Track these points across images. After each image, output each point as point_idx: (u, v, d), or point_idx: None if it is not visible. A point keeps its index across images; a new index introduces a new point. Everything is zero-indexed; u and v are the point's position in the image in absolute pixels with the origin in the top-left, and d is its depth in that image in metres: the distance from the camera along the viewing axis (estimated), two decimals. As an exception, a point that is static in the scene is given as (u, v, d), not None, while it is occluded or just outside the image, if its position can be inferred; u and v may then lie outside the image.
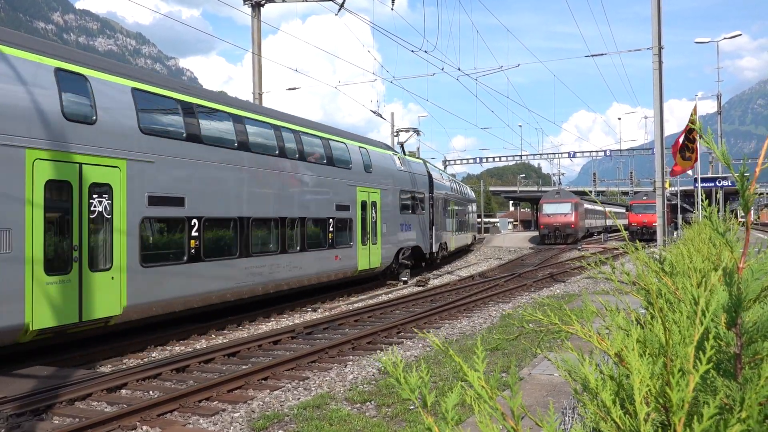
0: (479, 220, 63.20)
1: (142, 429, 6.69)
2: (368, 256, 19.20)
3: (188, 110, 12.32)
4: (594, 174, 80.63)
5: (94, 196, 9.93)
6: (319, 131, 17.56)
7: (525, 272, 23.91)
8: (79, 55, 10.83)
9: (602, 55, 26.19)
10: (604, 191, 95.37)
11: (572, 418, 3.83)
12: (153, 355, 10.55)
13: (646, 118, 70.33)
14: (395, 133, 32.07)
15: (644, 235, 42.32)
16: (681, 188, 40.60)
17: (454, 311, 14.40)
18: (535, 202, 67.38)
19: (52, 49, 10.05)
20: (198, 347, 11.04)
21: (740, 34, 35.62)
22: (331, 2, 21.74)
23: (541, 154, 73.57)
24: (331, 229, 17.05)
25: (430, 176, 25.71)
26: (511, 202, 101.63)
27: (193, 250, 11.88)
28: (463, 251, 37.36)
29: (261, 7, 23.19)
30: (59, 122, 9.44)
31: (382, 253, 20.20)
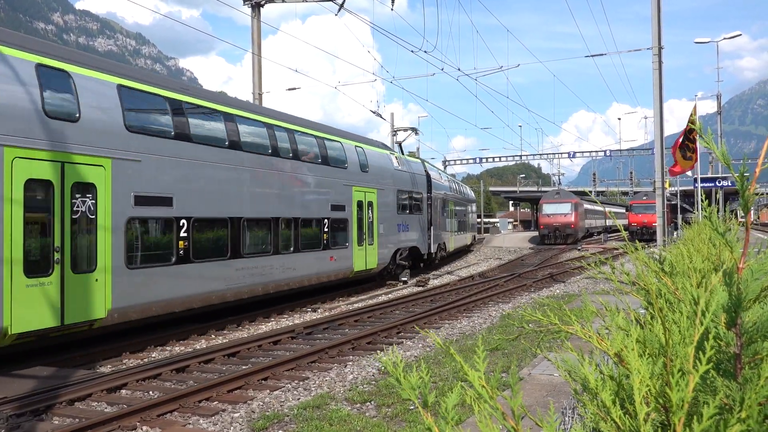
0: (479, 220, 63.21)
1: (142, 429, 6.68)
2: (364, 257, 18.91)
3: (177, 108, 12.03)
4: (594, 174, 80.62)
5: (77, 195, 9.65)
6: (313, 130, 17.27)
7: (525, 272, 23.91)
8: (62, 50, 10.48)
9: (602, 55, 26.21)
10: (603, 191, 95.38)
11: (572, 418, 3.83)
12: (153, 355, 10.54)
13: (646, 118, 70.38)
14: (393, 133, 31.78)
15: (644, 235, 42.33)
16: (681, 188, 40.61)
17: (453, 311, 14.40)
18: (534, 202, 67.38)
19: (34, 44, 9.74)
20: (198, 347, 11.04)
21: (740, 35, 35.63)
22: (331, 2, 21.75)
23: (540, 155, 73.57)
24: (326, 230, 16.78)
25: (428, 176, 25.49)
26: (510, 202, 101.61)
27: (181, 252, 11.60)
28: (463, 251, 37.34)
29: (261, 8, 23.19)
30: (40, 119, 9.18)
31: (379, 253, 19.91)
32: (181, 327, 12.25)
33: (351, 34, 24.04)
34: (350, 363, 9.50)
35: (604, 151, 67.90)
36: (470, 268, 28.06)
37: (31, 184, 9.01)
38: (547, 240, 44.80)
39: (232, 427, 6.69)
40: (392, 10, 21.86)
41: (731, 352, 1.27)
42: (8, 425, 6.63)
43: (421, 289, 19.63)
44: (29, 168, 8.97)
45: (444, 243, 28.06)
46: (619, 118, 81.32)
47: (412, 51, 22.83)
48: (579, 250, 37.92)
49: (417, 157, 27.97)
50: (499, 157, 71.10)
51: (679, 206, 38.79)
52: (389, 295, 18.23)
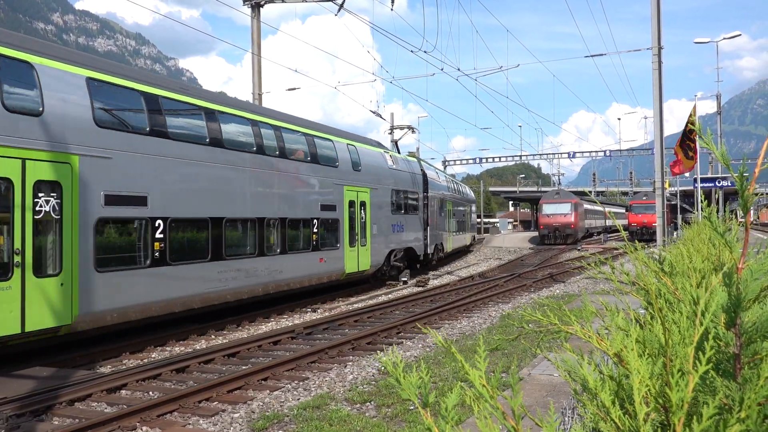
0: (479, 220, 63.19)
1: (142, 429, 6.68)
2: (356, 259, 18.34)
3: (152, 102, 11.40)
4: (594, 174, 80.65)
5: (41, 194, 9.05)
6: (302, 127, 16.71)
7: (525, 272, 23.91)
8: (26, 40, 9.84)
9: (602, 55, 26.21)
10: (603, 191, 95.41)
11: (572, 418, 3.83)
12: (153, 355, 10.54)
13: (645, 118, 70.40)
14: (390, 131, 31.35)
15: (644, 235, 42.35)
16: (680, 188, 40.61)
17: (453, 311, 14.40)
18: (534, 202, 67.39)
19: None
20: (197, 348, 11.03)
21: (740, 35, 35.64)
22: (330, 2, 21.75)
23: (540, 155, 73.58)
24: (315, 230, 16.21)
25: (424, 175, 25.10)
26: (510, 202, 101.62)
27: (157, 254, 11.04)
28: (462, 252, 37.29)
29: (261, 8, 23.19)
30: None
31: (372, 255, 19.38)
32: (181, 327, 12.24)
33: (351, 34, 24.06)
34: (350, 363, 9.50)
35: (604, 151, 67.91)
36: (470, 269, 28.06)
37: None
38: (547, 240, 44.81)
39: (232, 428, 6.69)
40: (392, 10, 21.88)
41: (731, 352, 1.27)
42: (8, 425, 6.63)
43: (420, 289, 19.63)
44: None
45: (441, 244, 27.71)
46: (619, 118, 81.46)
47: (411, 51, 22.85)
48: (579, 250, 37.92)
49: (414, 157, 27.57)
50: (499, 157, 71.14)
51: (678, 206, 38.80)
52: (389, 296, 18.23)
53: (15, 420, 6.79)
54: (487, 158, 69.27)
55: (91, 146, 9.91)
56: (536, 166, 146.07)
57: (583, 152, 69.86)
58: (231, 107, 14.00)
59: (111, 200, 10.20)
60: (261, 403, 7.48)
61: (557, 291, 18.23)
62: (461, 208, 34.61)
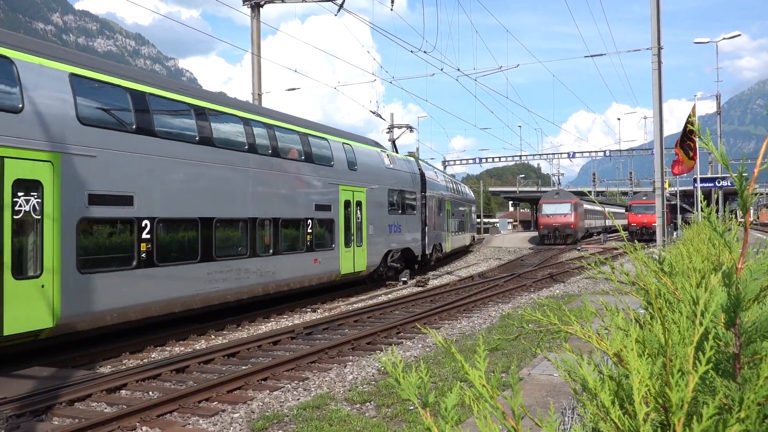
0: (478, 220, 63.20)
1: (141, 430, 6.68)
2: (352, 259, 18.03)
3: (139, 100, 11.08)
4: (593, 174, 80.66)
5: (20, 194, 8.75)
6: (296, 125, 16.35)
7: (524, 272, 23.91)
8: (6, 35, 9.57)
9: (601, 55, 26.23)
10: (603, 191, 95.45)
11: (572, 418, 3.83)
12: (152, 355, 10.54)
13: (645, 118, 70.40)
14: (388, 130, 30.96)
15: (644, 235, 42.36)
16: (680, 188, 40.61)
17: (453, 311, 14.41)
18: (534, 202, 67.41)
19: None
20: (197, 348, 11.03)
21: (739, 35, 35.65)
22: (330, 3, 21.76)
23: (540, 155, 73.59)
24: (309, 231, 15.88)
25: (422, 175, 24.81)
26: (510, 202, 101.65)
27: (144, 254, 10.73)
28: (462, 252, 37.26)
29: (260, 8, 23.20)
30: None
31: (368, 255, 19.05)
32: (181, 327, 12.24)
33: (350, 34, 24.06)
34: (350, 363, 9.50)
35: (604, 152, 67.89)
36: (470, 269, 28.06)
37: None
38: (547, 240, 44.83)
39: (231, 428, 6.69)
40: (392, 10, 21.89)
41: (730, 352, 1.27)
42: (8, 426, 6.63)
43: (420, 289, 19.62)
44: None
45: (440, 244, 27.45)
46: (619, 119, 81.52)
47: (411, 51, 22.86)
48: (578, 250, 37.93)
49: (412, 156, 27.28)
50: (499, 158, 71.13)
51: (678, 206, 38.81)
52: (389, 296, 18.23)
53: (15, 420, 6.79)
54: (486, 158, 69.28)
55: (74, 144, 9.63)
56: (536, 166, 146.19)
57: (582, 152, 69.87)
58: (222, 105, 13.71)
59: (95, 200, 9.90)
60: (261, 403, 7.48)
61: (557, 291, 18.23)
62: (460, 208, 34.43)
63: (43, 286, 8.95)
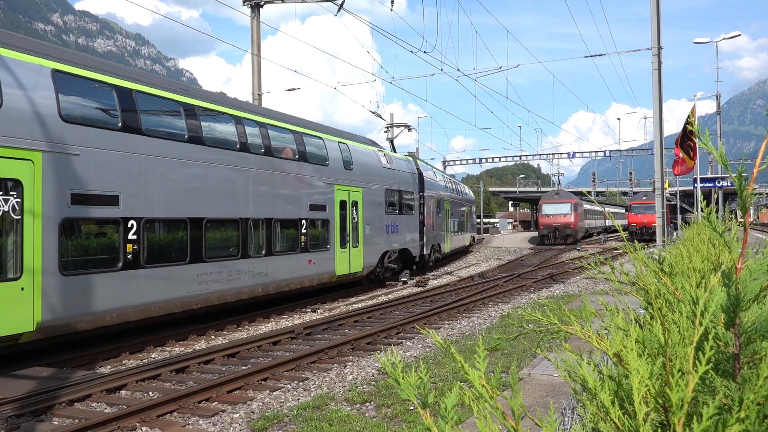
0: (478, 220, 63.20)
1: (141, 430, 6.68)
2: (348, 260, 17.74)
3: (125, 97, 10.77)
4: (593, 174, 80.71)
5: None
6: (290, 124, 16.03)
7: (524, 273, 23.92)
8: None
9: (601, 55, 26.22)
10: (603, 191, 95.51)
11: (572, 418, 3.83)
12: (152, 356, 10.54)
13: (645, 118, 70.46)
14: (386, 129, 30.60)
15: (644, 235, 42.37)
16: (680, 188, 40.65)
17: (453, 312, 14.41)
18: (534, 202, 67.45)
19: None
20: (197, 348, 11.03)
21: (739, 35, 35.65)
22: (330, 3, 21.77)
23: (540, 155, 73.59)
24: (303, 231, 15.58)
25: (420, 174, 24.48)
26: (510, 202, 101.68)
27: (130, 256, 10.42)
28: (462, 252, 37.24)
29: (260, 8, 23.20)
30: None
31: (365, 256, 18.73)
32: (180, 327, 12.24)
33: (350, 34, 24.05)
34: (350, 363, 9.50)
35: (604, 152, 67.89)
36: (470, 269, 28.06)
37: None
38: (547, 240, 44.84)
39: (231, 428, 6.69)
40: (392, 10, 21.90)
41: (730, 352, 1.27)
42: (8, 426, 6.63)
43: (420, 289, 19.62)
44: None
45: (439, 244, 27.23)
46: (619, 119, 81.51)
47: (411, 51, 22.86)
48: (578, 250, 37.94)
49: (411, 156, 27.06)
50: (499, 158, 71.13)
51: (678, 206, 38.82)
52: (389, 296, 18.23)
53: (15, 420, 6.79)
54: (486, 158, 69.29)
55: (56, 142, 9.33)
56: (536, 166, 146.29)
57: (582, 152, 69.86)
58: (212, 103, 13.42)
59: (78, 199, 9.60)
60: (261, 404, 7.48)
61: (557, 291, 18.24)
62: (460, 208, 34.26)
63: (22, 288, 8.67)
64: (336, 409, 7.03)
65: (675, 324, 1.29)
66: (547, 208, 45.24)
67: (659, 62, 21.81)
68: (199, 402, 7.54)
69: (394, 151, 25.69)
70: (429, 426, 1.15)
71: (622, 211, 59.60)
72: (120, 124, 10.56)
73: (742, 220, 1.32)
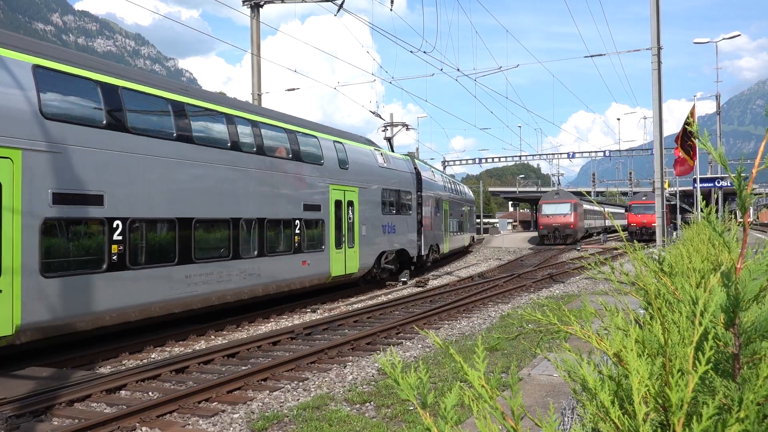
0: (478, 220, 63.20)
1: (141, 430, 6.68)
2: (343, 261, 17.43)
3: (110, 93, 10.44)
4: (593, 174, 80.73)
5: None
6: (283, 122, 15.74)
7: (524, 273, 23.92)
8: None
9: (601, 55, 26.23)
10: (603, 191, 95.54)
11: (572, 418, 3.83)
12: (152, 356, 10.54)
13: (645, 118, 70.52)
14: (384, 128, 30.18)
15: (643, 235, 42.38)
16: (680, 188, 40.66)
17: (453, 312, 14.41)
18: (534, 202, 67.45)
19: None
20: (197, 348, 11.03)
21: (739, 35, 35.66)
22: (330, 3, 21.77)
23: (540, 155, 73.62)
24: (297, 232, 15.28)
25: (418, 174, 24.15)
26: (510, 202, 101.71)
27: (115, 257, 10.12)
28: (462, 252, 37.21)
29: (260, 8, 23.21)
30: None
31: (361, 257, 18.45)
32: (180, 327, 12.24)
33: (350, 34, 24.05)
34: (350, 363, 9.50)
35: (604, 152, 67.93)
36: (470, 269, 28.07)
37: None
38: (547, 240, 44.85)
39: (231, 428, 6.69)
40: (391, 10, 21.89)
41: (730, 352, 1.27)
42: (8, 426, 6.63)
43: (420, 289, 19.62)
44: None
45: (437, 245, 27.02)
46: (619, 119, 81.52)
47: (411, 51, 22.86)
48: (578, 250, 37.94)
49: (408, 155, 26.77)
50: (499, 158, 71.16)
51: (678, 206, 38.85)
52: (389, 296, 18.23)
53: (15, 420, 6.78)
54: (486, 158, 69.31)
55: (37, 140, 9.04)
56: (536, 166, 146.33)
57: (582, 152, 69.89)
58: (201, 100, 13.05)
59: (60, 199, 9.30)
60: (260, 404, 7.48)
61: (557, 291, 18.24)
62: (459, 208, 34.07)
63: (1, 291, 8.41)
64: (336, 410, 7.03)
65: (675, 324, 1.29)
66: (547, 209, 45.26)
67: (659, 62, 21.82)
68: (199, 402, 7.54)
69: (392, 151, 25.53)
70: (429, 426, 1.15)
71: (622, 211, 59.63)
72: (105, 122, 10.27)
73: (741, 220, 1.32)
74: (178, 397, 7.40)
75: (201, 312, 12.79)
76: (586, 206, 50.46)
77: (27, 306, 8.71)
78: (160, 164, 11.26)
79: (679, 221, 35.81)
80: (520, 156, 76.86)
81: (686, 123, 18.13)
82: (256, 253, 13.79)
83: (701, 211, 1.81)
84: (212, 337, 12.11)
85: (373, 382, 8.25)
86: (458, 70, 27.25)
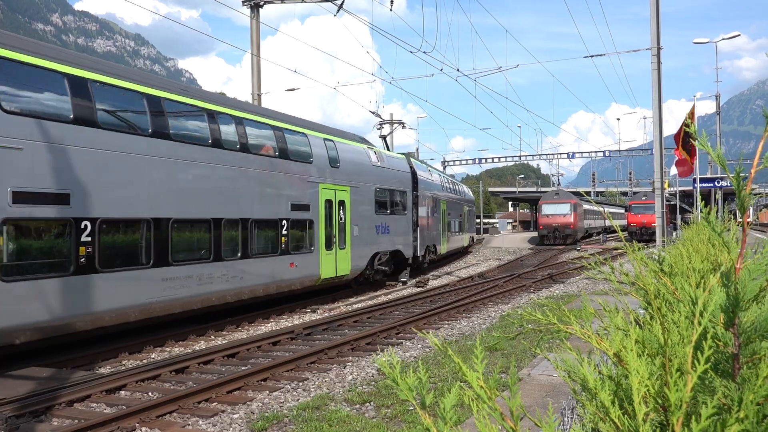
0: (478, 220, 63.21)
1: (141, 430, 6.68)
2: (334, 263, 16.85)
3: (78, 86, 9.86)
4: (593, 174, 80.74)
5: None
6: (269, 119, 15.14)
7: (524, 273, 23.92)
8: None
9: (601, 55, 26.24)
10: (603, 192, 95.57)
11: (571, 418, 3.84)
12: (152, 356, 10.53)
13: (645, 118, 70.56)
14: (379, 126, 29.12)
15: (643, 235, 42.39)
16: (680, 189, 40.65)
17: (453, 312, 14.41)
18: (534, 202, 67.45)
19: None
20: (197, 348, 11.03)
21: (739, 35, 35.68)
22: (330, 3, 21.78)
23: (540, 155, 73.68)
24: (284, 233, 14.72)
25: (413, 173, 23.57)
26: (510, 202, 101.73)
27: (83, 259, 9.56)
28: (461, 253, 37.18)
29: (260, 8, 23.21)
30: None
31: (353, 259, 17.87)
32: (180, 328, 12.23)
33: (350, 34, 24.05)
34: (349, 364, 9.51)
35: (603, 152, 67.95)
36: (469, 269, 28.07)
37: None
38: (547, 240, 44.86)
39: (231, 428, 6.69)
40: (391, 10, 21.90)
41: (729, 352, 1.28)
42: (8, 426, 6.63)
43: (420, 289, 19.61)
44: None
45: (434, 245, 26.59)
46: (618, 119, 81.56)
47: (411, 51, 22.88)
48: (578, 250, 37.95)
49: (404, 154, 26.34)
50: (499, 158, 71.24)
51: (678, 206, 38.84)
52: (389, 296, 18.23)
53: (14, 420, 6.78)
54: (486, 159, 69.36)
55: None
56: (536, 166, 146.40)
57: (582, 152, 69.94)
58: (180, 95, 12.41)
59: (21, 198, 8.76)
60: (260, 404, 7.48)
61: (556, 291, 18.24)
62: (458, 208, 33.69)
63: None
64: (336, 410, 7.03)
65: (674, 324, 1.29)
66: (547, 209, 45.27)
67: (659, 62, 21.82)
68: (199, 402, 7.54)
69: (388, 149, 25.11)
70: (428, 426, 1.15)
71: (622, 211, 59.65)
72: (72, 117, 9.68)
73: (740, 220, 1.32)
74: (178, 398, 7.40)
75: (182, 317, 12.30)
76: (586, 206, 50.47)
77: None
78: (133, 161, 10.68)
79: (678, 221, 35.80)
80: (519, 156, 76.91)
81: (684, 124, 18.13)
82: (239, 255, 13.26)
83: (701, 211, 1.81)
84: (212, 337, 12.11)
85: (373, 383, 8.25)
86: (458, 70, 27.27)
